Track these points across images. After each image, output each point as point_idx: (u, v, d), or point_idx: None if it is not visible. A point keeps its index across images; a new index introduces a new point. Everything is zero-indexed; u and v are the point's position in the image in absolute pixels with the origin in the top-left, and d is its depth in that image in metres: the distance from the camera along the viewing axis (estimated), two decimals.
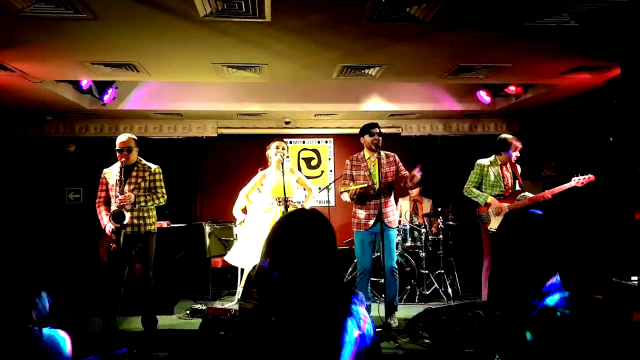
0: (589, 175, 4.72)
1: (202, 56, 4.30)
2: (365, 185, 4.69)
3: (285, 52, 4.17)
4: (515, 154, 4.87)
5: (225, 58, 4.36)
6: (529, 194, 4.91)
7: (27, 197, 7.01)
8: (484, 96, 6.34)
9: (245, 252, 5.08)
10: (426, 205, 6.94)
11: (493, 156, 4.97)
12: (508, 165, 4.95)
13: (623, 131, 5.04)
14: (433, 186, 7.34)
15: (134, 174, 4.52)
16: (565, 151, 7.69)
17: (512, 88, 5.87)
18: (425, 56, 4.37)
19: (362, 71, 4.87)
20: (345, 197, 4.86)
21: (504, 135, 4.95)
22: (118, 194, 4.39)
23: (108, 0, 3.10)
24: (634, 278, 4.30)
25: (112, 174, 4.53)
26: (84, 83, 5.44)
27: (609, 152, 6.20)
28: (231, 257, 5.31)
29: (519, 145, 4.87)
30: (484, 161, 4.98)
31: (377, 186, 4.64)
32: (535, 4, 3.20)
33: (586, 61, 4.57)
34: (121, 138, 4.53)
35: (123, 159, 4.46)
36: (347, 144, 7.48)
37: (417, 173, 4.49)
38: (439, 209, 6.36)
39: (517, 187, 4.97)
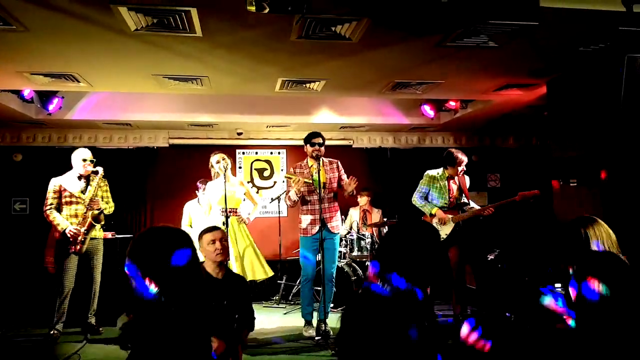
0: (535, 191, 4.78)
1: (141, 68, 4.35)
2: (310, 182, 4.73)
3: (222, 66, 4.26)
4: (461, 168, 4.99)
5: (164, 70, 4.42)
6: (475, 206, 5.08)
7: None
8: (427, 110, 6.56)
9: None
10: (376, 216, 7.08)
11: (441, 168, 5.08)
12: (455, 178, 5.07)
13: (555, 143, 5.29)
14: (383, 197, 7.53)
15: (92, 183, 4.75)
16: (510, 163, 8.00)
17: (452, 103, 6.11)
18: (361, 72, 4.53)
19: (304, 85, 5.00)
20: (293, 194, 4.82)
21: (451, 150, 5.04)
22: (79, 200, 4.66)
23: (36, 12, 3.13)
24: (558, 285, 4.51)
25: (69, 183, 4.68)
26: (27, 93, 5.40)
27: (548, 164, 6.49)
28: None
29: (464, 159, 4.98)
30: (432, 172, 5.10)
31: (319, 192, 4.68)
32: (451, 25, 3.39)
33: (514, 79, 4.82)
34: (84, 149, 4.79)
35: (88, 169, 4.72)
36: (299, 154, 7.54)
37: (352, 183, 4.62)
38: (385, 219, 6.52)
39: (464, 199, 5.10)
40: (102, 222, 4.81)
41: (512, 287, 5.36)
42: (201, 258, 4.12)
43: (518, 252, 5.96)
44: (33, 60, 4.15)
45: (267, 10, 2.81)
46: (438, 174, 5.07)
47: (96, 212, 4.69)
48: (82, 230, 4.60)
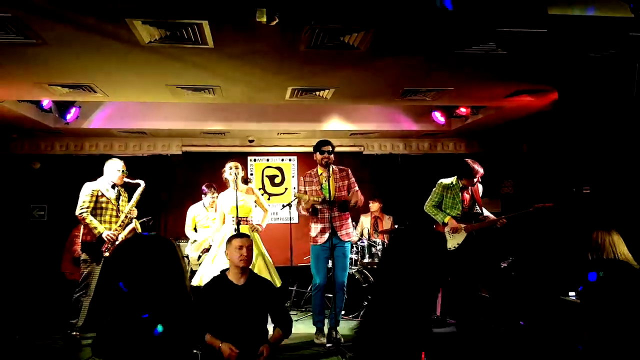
0: (549, 203, 4.77)
1: (155, 78, 4.45)
2: (319, 199, 4.79)
3: (234, 75, 4.34)
4: (476, 179, 4.92)
5: (177, 80, 4.52)
6: (489, 215, 5.03)
7: None
8: (438, 117, 6.58)
9: (207, 272, 5.06)
10: (387, 222, 7.09)
11: (455, 177, 5.00)
12: (469, 187, 4.98)
13: (565, 150, 5.27)
14: (394, 203, 7.53)
15: (135, 195, 5.00)
16: (524, 170, 7.94)
17: (463, 109, 6.12)
18: (370, 80, 4.58)
19: (314, 93, 5.05)
20: (302, 211, 4.89)
21: (467, 161, 4.92)
22: (118, 208, 4.86)
23: (54, 27, 3.23)
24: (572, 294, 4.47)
25: (105, 190, 4.82)
26: (45, 103, 5.55)
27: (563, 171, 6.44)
28: (195, 281, 5.30)
29: (480, 170, 4.88)
30: (446, 181, 5.03)
31: (329, 199, 4.72)
32: (460, 33, 3.42)
33: (525, 85, 4.83)
34: (120, 162, 4.97)
35: (122, 179, 4.93)
36: (310, 161, 7.59)
37: (358, 195, 4.71)
38: (396, 226, 6.53)
39: (477, 209, 5.04)
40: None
41: (525, 296, 5.34)
42: (221, 265, 4.22)
43: (532, 260, 5.93)
44: (51, 72, 4.27)
45: (276, 22, 2.87)
46: (452, 183, 4.99)
47: (136, 224, 4.97)
48: (121, 236, 4.77)
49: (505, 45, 3.66)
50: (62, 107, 5.93)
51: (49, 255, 6.57)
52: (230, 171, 5.01)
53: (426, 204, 5.15)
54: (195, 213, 6.11)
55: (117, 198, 4.92)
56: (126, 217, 4.89)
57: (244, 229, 4.81)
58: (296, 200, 5.49)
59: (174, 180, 7.55)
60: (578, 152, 5.01)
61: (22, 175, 7.24)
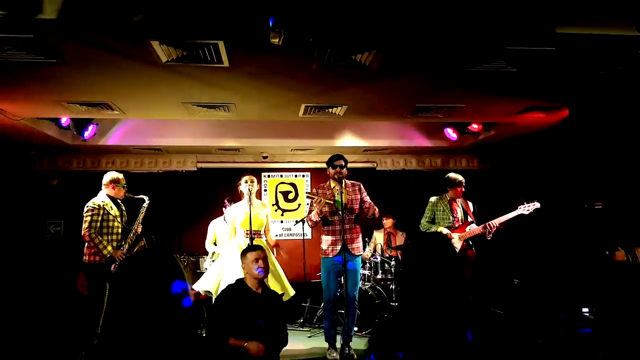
0: (534, 202, 5.23)
1: (171, 97, 4.56)
2: (331, 202, 4.80)
3: (248, 93, 4.43)
4: (460, 189, 5.39)
5: (193, 98, 4.62)
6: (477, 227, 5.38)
7: (9, 230, 7.16)
8: (450, 133, 6.61)
9: (212, 278, 5.13)
10: (400, 238, 7.10)
11: (443, 193, 5.51)
12: (458, 200, 5.46)
13: (577, 166, 5.29)
14: (407, 219, 7.52)
15: (123, 207, 4.90)
16: (539, 185, 7.90)
17: (474, 126, 6.15)
18: (382, 97, 4.64)
19: (327, 110, 5.13)
20: (314, 215, 4.87)
21: (449, 174, 5.50)
22: (121, 224, 4.77)
23: (75, 47, 3.35)
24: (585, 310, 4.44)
25: (108, 205, 4.75)
26: (64, 120, 5.69)
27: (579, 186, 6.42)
28: (199, 284, 5.37)
29: (459, 177, 5.41)
30: (433, 198, 5.55)
31: (341, 213, 4.75)
32: (469, 51, 3.47)
33: (535, 102, 4.85)
34: (118, 174, 4.90)
35: (122, 193, 4.85)
36: (324, 177, 7.59)
37: (373, 206, 4.85)
38: (409, 242, 6.53)
39: (469, 219, 5.45)
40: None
41: (537, 311, 5.29)
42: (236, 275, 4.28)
43: (544, 277, 5.89)
44: (70, 91, 4.40)
45: (289, 42, 2.95)
46: (440, 197, 5.53)
47: (142, 243, 4.90)
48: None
49: (514, 63, 3.71)
50: (80, 125, 6.07)
51: (65, 270, 6.66)
52: (246, 185, 5.10)
53: (421, 222, 5.61)
54: (216, 228, 6.19)
55: (121, 215, 4.86)
56: (134, 234, 4.84)
57: (258, 242, 4.88)
58: (308, 207, 5.55)
59: (189, 196, 7.64)
60: (590, 167, 5.03)
61: (40, 191, 7.39)
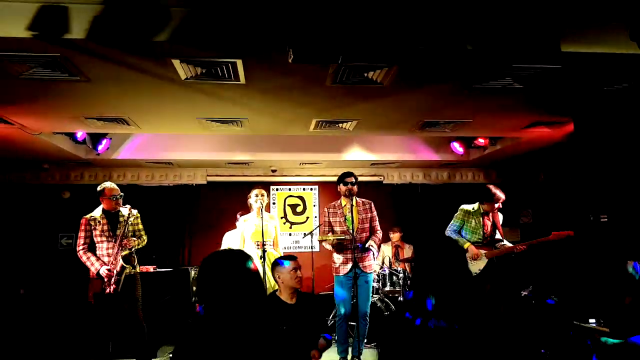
0: (568, 231, 4.81)
1: (187, 112, 4.69)
2: (343, 237, 4.88)
3: (262, 108, 4.56)
4: (497, 205, 5.04)
5: (208, 114, 4.75)
6: (507, 243, 5.13)
7: (21, 242, 7.27)
8: (457, 147, 6.72)
9: None
10: (407, 251, 7.18)
11: (477, 204, 5.14)
12: (490, 214, 5.10)
13: (582, 180, 5.36)
14: (414, 232, 7.62)
15: (121, 219, 4.72)
16: (542, 199, 8.00)
17: (481, 140, 6.26)
18: (391, 113, 4.76)
19: (337, 125, 5.25)
20: (326, 245, 5.07)
21: (489, 186, 5.09)
22: (110, 238, 4.62)
23: (99, 65, 3.48)
24: (592, 321, 4.50)
25: (96, 220, 4.69)
26: (79, 135, 5.83)
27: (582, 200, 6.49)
28: None
29: (502, 196, 5.02)
30: (468, 207, 5.16)
31: (352, 231, 4.87)
32: (478, 69, 3.60)
33: (541, 117, 4.97)
34: (112, 184, 4.80)
35: (116, 205, 4.73)
36: (331, 191, 7.80)
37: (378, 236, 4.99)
38: (417, 255, 6.61)
39: (497, 236, 5.15)
40: (135, 263, 4.69)
41: (547, 323, 5.34)
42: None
43: (551, 288, 5.94)
44: (90, 106, 4.52)
45: (306, 62, 3.07)
46: (473, 209, 5.13)
47: (127, 251, 4.60)
48: (115, 272, 4.51)
49: (521, 80, 3.83)
50: (95, 139, 6.21)
51: (76, 283, 6.75)
52: (256, 198, 5.22)
53: (447, 228, 5.25)
54: (230, 240, 6.26)
55: (115, 227, 4.65)
56: (122, 248, 4.57)
57: (269, 254, 4.98)
58: (317, 229, 5.61)
59: (199, 209, 7.75)
60: (595, 181, 5.10)
61: (52, 204, 7.52)
